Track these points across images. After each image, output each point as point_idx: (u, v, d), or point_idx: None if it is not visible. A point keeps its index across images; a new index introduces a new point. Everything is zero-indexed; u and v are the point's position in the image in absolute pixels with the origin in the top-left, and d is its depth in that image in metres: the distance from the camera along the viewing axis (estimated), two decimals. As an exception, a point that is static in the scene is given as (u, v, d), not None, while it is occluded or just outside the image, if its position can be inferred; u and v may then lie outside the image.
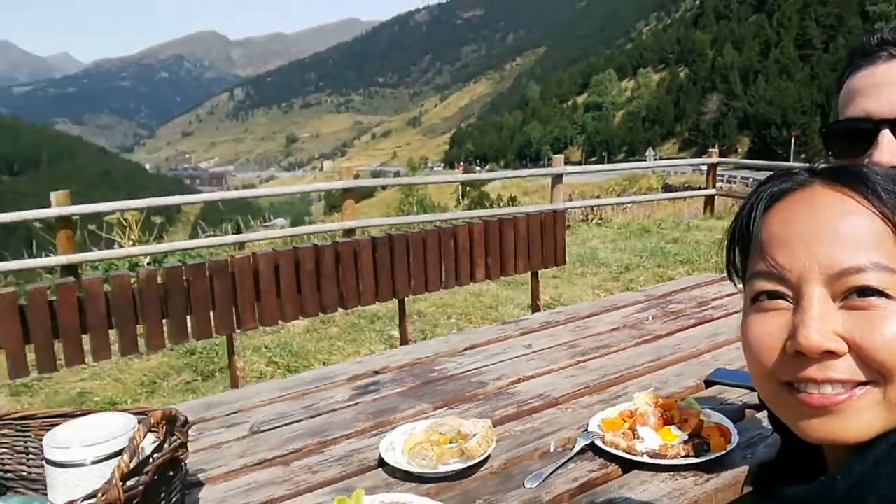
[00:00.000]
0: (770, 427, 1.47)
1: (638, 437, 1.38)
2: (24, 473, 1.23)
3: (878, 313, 0.58)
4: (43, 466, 1.11)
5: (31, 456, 1.23)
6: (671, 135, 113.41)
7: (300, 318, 2.98)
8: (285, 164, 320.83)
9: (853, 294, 0.59)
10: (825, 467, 0.70)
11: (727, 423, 1.42)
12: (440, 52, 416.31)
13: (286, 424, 1.66)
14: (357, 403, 1.77)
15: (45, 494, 1.12)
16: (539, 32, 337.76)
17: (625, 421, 1.47)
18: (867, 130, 0.95)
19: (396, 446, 1.45)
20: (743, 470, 1.31)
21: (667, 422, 1.42)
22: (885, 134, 0.94)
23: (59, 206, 6.69)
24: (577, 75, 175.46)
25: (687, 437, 1.37)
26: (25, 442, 1.24)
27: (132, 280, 2.61)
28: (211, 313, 2.67)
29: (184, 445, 1.16)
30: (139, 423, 1.07)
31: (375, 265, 3.00)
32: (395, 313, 4.90)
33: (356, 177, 8.46)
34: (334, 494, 1.27)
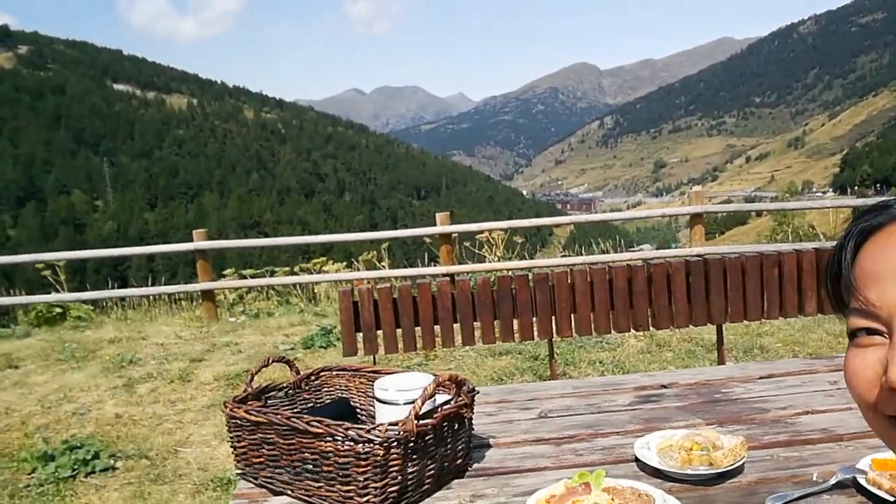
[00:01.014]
0: None
1: (906, 481, 1.31)
2: (372, 411, 1.72)
3: None
4: (374, 404, 1.57)
5: (371, 399, 1.72)
6: None
7: (615, 332, 3.19)
8: (652, 190, 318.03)
9: None
10: None
11: None
12: (829, 64, 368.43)
13: (569, 415, 1.92)
14: (636, 409, 1.94)
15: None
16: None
17: (889, 464, 1.38)
18: None
19: (651, 446, 1.59)
20: None
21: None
22: None
23: (441, 226, 7.97)
24: None
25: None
26: (371, 389, 1.73)
27: (491, 283, 3.15)
28: (533, 319, 3.06)
29: (467, 405, 1.51)
30: (434, 381, 1.45)
31: (689, 288, 3.05)
32: (736, 344, 4.75)
33: (708, 201, 8.22)
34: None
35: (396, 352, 3.15)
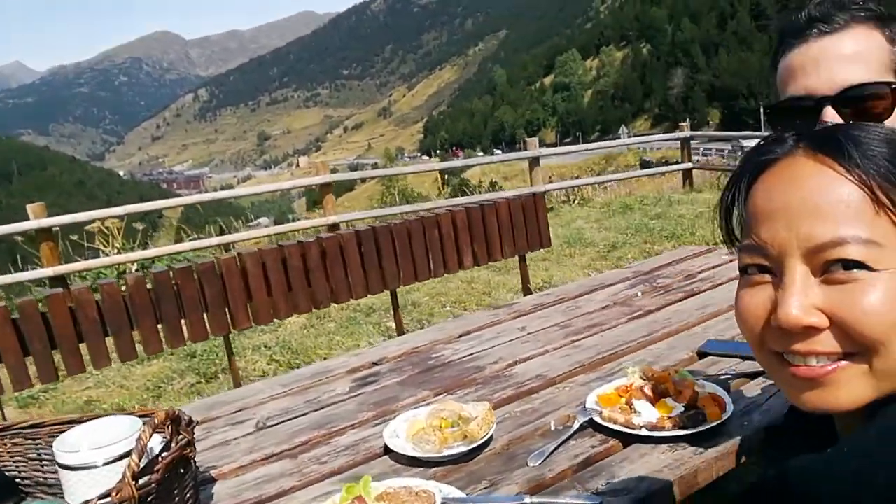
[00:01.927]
0: (764, 395, 1.53)
1: (635, 412, 1.43)
2: (41, 479, 1.25)
3: (859, 286, 0.59)
4: (57, 471, 1.13)
5: (44, 462, 1.25)
6: (642, 111, 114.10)
7: (294, 315, 3.00)
8: (260, 163, 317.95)
9: (833, 267, 0.59)
10: (834, 431, 0.71)
11: (721, 392, 1.47)
12: (401, 40, 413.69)
13: (291, 419, 1.69)
14: (359, 395, 1.80)
15: (63, 497, 1.14)
16: (497, 16, 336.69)
17: (621, 396, 1.51)
18: (810, 108, 0.98)
19: (400, 433, 1.48)
20: (738, 439, 1.36)
21: (662, 395, 1.46)
22: (828, 110, 0.97)
23: (37, 219, 6.61)
24: (541, 57, 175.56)
25: (683, 409, 1.41)
26: (38, 449, 1.26)
27: (122, 287, 2.61)
28: (204, 315, 2.68)
29: (191, 444, 1.18)
30: (144, 424, 1.09)
31: (363, 258, 3.03)
32: (390, 305, 4.93)
33: (333, 171, 8.43)
34: (343, 483, 1.30)
35: (30, 386, 2.45)
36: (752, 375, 1.62)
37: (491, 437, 1.44)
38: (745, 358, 1.72)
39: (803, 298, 0.60)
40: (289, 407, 1.76)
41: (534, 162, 9.12)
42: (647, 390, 1.47)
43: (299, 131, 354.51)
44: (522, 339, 2.06)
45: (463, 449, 1.39)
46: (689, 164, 10.28)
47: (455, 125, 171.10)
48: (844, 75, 0.96)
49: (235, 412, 1.77)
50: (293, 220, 9.51)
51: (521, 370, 1.83)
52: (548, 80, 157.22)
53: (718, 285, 2.35)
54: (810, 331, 0.61)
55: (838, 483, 0.59)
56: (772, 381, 1.56)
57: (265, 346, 4.57)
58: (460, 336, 2.17)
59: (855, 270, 0.59)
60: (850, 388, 0.61)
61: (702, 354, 1.80)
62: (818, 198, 0.61)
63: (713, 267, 2.58)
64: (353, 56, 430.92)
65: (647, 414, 1.41)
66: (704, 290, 2.32)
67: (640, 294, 2.37)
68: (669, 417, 1.39)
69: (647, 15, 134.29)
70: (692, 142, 10.73)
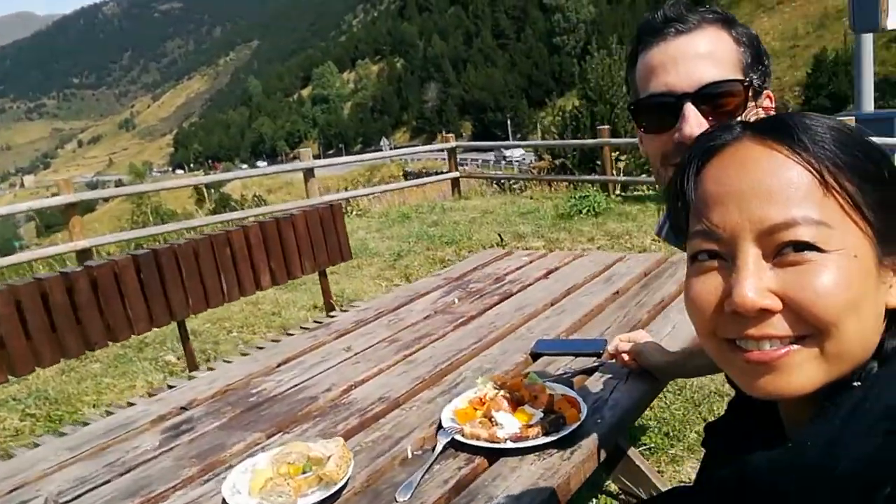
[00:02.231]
0: (606, 389, 1.57)
1: (497, 424, 1.38)
2: None
3: (811, 267, 0.59)
4: None
5: None
6: (400, 124, 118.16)
7: (62, 360, 2.50)
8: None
9: (785, 249, 0.60)
10: (779, 423, 0.72)
11: (572, 393, 1.48)
12: (141, 47, 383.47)
13: (92, 489, 1.38)
14: (173, 448, 1.53)
15: None
16: (247, 26, 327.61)
17: (476, 409, 1.46)
18: (671, 104, 1.02)
19: (242, 488, 1.27)
20: (597, 437, 1.37)
21: (518, 402, 1.43)
22: (689, 107, 1.01)
23: None
24: (296, 69, 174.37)
25: (542, 415, 1.39)
26: None
27: None
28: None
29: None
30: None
31: (143, 286, 2.63)
32: (166, 337, 4.42)
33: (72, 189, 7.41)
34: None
35: None
36: (590, 371, 1.67)
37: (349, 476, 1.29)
38: (576, 355, 1.77)
39: (757, 281, 0.60)
40: (84, 475, 1.44)
41: (308, 173, 8.90)
42: (504, 400, 1.43)
43: (23, 146, 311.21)
44: (352, 361, 1.93)
45: (322, 495, 1.23)
46: (457, 174, 10.79)
47: (209, 137, 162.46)
48: (701, 73, 1.00)
49: (11, 492, 1.40)
50: (23, 249, 8.22)
51: (359, 395, 1.70)
52: (306, 92, 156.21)
53: (528, 286, 2.42)
54: (764, 314, 0.60)
55: (803, 475, 0.60)
56: (611, 375, 1.62)
57: (14, 399, 3.83)
58: (279, 365, 1.97)
59: (806, 252, 0.60)
60: (801, 372, 0.61)
61: (535, 356, 1.81)
62: (769, 180, 0.61)
63: (517, 269, 2.66)
64: (85, 62, 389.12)
65: (509, 425, 1.37)
66: (517, 292, 2.37)
67: (457, 301, 2.35)
68: (531, 425, 1.36)
69: (399, 30, 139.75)
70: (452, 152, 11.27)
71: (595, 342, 1.80)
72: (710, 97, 1.00)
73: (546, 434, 1.34)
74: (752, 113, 1.02)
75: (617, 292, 2.23)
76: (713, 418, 3.50)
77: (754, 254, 0.61)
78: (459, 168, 11.37)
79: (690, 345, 1.57)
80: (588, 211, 7.68)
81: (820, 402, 0.63)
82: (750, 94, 1.01)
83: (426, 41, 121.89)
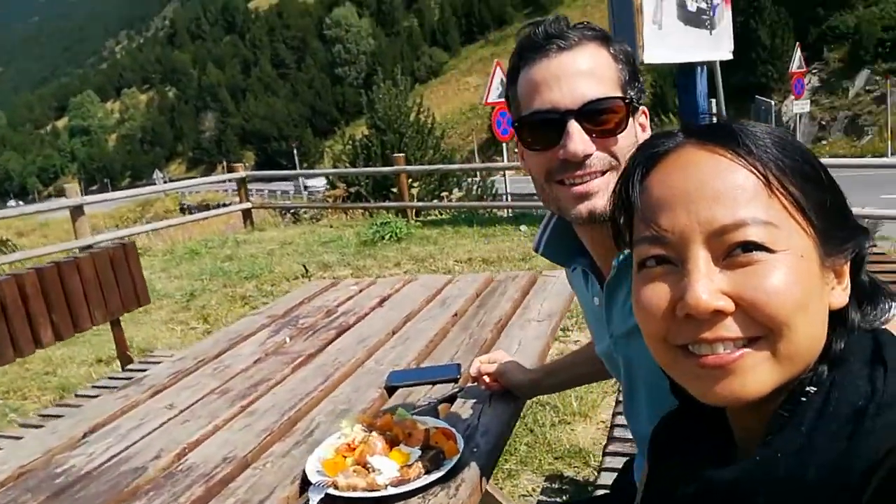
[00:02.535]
0: (474, 414, 1.51)
1: (374, 470, 1.25)
2: None
3: (761, 268, 0.59)
4: None
5: None
6: (175, 155, 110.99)
7: None
8: None
9: (735, 250, 0.60)
10: (729, 433, 0.71)
11: (444, 424, 1.40)
12: None
13: None
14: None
15: None
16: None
17: (346, 457, 1.32)
18: (555, 121, 1.01)
19: None
20: (477, 467, 1.30)
21: (392, 443, 1.32)
22: (573, 124, 1.00)
23: None
24: (49, 98, 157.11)
25: (420, 452, 1.29)
26: None
27: None
28: None
29: None
30: None
31: None
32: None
33: None
34: None
35: None
36: (451, 399, 1.60)
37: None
38: (433, 383, 1.70)
39: (709, 283, 0.60)
40: None
41: (77, 211, 7.93)
42: (378, 442, 1.31)
43: None
44: (179, 420, 1.67)
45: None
46: (249, 204, 10.31)
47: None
48: (584, 90, 1.00)
49: None
50: None
51: (197, 458, 1.46)
52: (61, 123, 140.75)
53: (364, 316, 2.31)
54: (717, 316, 0.60)
55: (773, 487, 0.60)
56: (475, 399, 1.57)
57: None
58: (86, 435, 1.66)
59: (755, 252, 0.60)
60: (755, 375, 0.61)
61: (391, 389, 1.71)
62: (716, 183, 0.61)
63: (348, 299, 2.54)
64: None
65: (387, 469, 1.25)
66: (354, 324, 2.25)
67: (289, 339, 2.17)
68: (410, 466, 1.25)
69: (170, 58, 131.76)
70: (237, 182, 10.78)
71: (449, 367, 1.75)
72: (592, 114, 1.00)
73: (428, 472, 1.24)
74: (631, 130, 1.04)
75: (455, 314, 2.21)
76: (538, 428, 3.56)
77: (704, 256, 0.61)
78: (251, 199, 10.89)
79: (548, 362, 1.57)
80: (390, 237, 7.73)
81: (775, 410, 0.63)
82: (629, 110, 1.02)
83: (200, 69, 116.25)
